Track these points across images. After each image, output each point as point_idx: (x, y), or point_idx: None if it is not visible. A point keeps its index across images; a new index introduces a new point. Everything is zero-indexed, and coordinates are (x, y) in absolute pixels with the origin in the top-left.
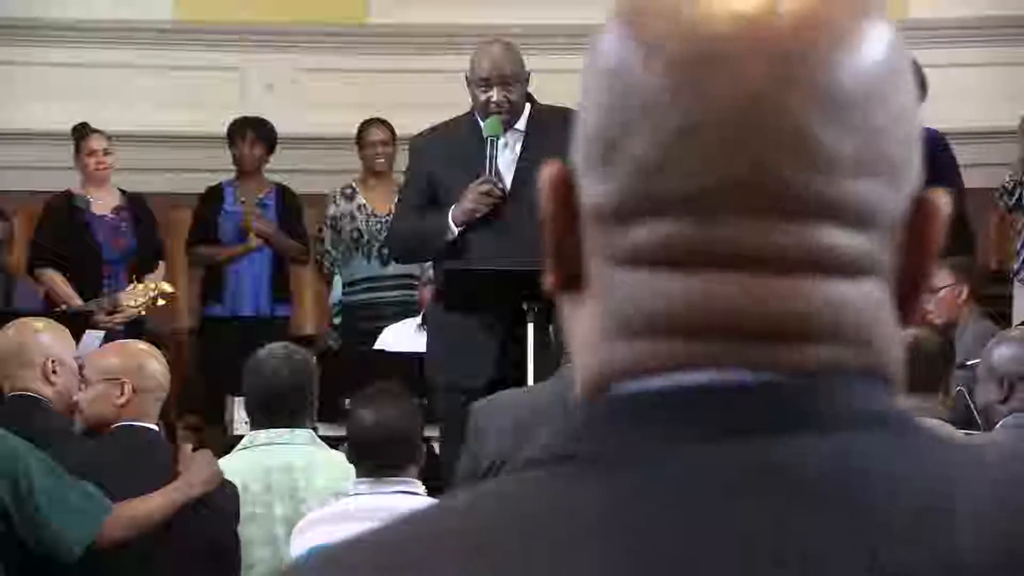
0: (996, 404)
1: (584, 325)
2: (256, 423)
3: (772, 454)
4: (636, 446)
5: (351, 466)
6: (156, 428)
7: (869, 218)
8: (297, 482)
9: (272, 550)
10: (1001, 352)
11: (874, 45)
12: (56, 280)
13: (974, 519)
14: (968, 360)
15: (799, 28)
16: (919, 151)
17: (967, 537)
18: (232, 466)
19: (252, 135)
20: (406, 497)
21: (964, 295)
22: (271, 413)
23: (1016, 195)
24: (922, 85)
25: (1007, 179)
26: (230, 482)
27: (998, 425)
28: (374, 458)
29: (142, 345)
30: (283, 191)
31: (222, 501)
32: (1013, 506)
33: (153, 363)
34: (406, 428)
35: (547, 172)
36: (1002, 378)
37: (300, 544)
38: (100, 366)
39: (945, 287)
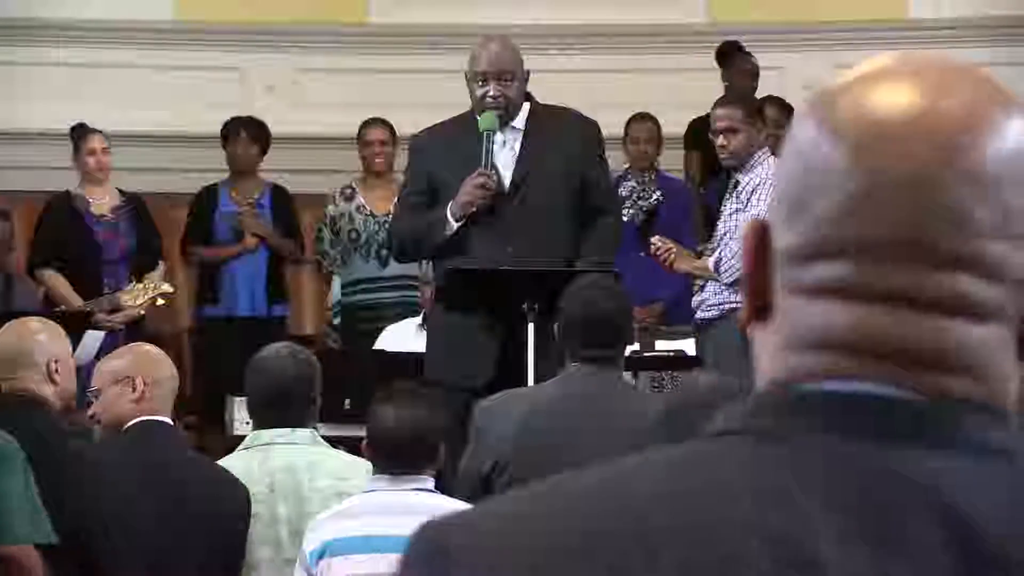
0: None
1: (770, 340)
2: (259, 422)
3: (891, 460)
4: (795, 429)
5: (354, 466)
6: (171, 423)
7: (999, 272)
8: (300, 482)
9: (274, 550)
10: None
11: (1014, 135)
12: (56, 281)
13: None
14: None
15: (954, 121)
16: None
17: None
18: (234, 466)
19: (246, 135)
20: (423, 495)
21: None
22: (275, 412)
23: None
24: None
25: None
26: (240, 483)
27: None
28: (396, 457)
29: (146, 346)
30: (277, 190)
31: (229, 502)
32: None
33: (160, 357)
34: (430, 429)
35: (750, 223)
36: None
37: (314, 538)
38: (108, 369)
39: None
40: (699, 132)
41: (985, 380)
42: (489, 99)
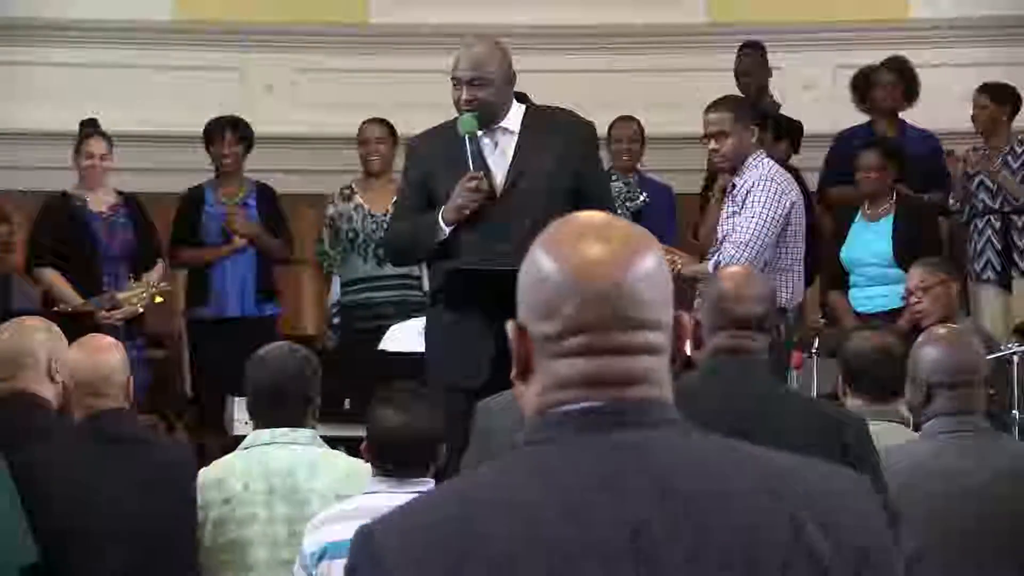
0: (918, 407)
1: (532, 389)
2: (258, 421)
3: (618, 437)
4: (558, 436)
5: (353, 467)
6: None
7: (660, 327)
8: (299, 483)
9: (272, 551)
10: (924, 354)
11: (652, 261)
12: (55, 279)
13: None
14: None
15: (622, 251)
16: (671, 299)
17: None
18: (234, 466)
19: (232, 135)
20: None
21: (955, 291)
22: (272, 410)
23: (965, 210)
24: (914, 88)
25: (952, 201)
26: (187, 448)
27: (922, 429)
28: (396, 459)
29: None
30: (263, 190)
31: (178, 476)
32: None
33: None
34: (430, 431)
35: (513, 327)
36: (923, 382)
37: (314, 540)
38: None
39: (938, 283)
40: None
41: (660, 386)
42: (462, 102)
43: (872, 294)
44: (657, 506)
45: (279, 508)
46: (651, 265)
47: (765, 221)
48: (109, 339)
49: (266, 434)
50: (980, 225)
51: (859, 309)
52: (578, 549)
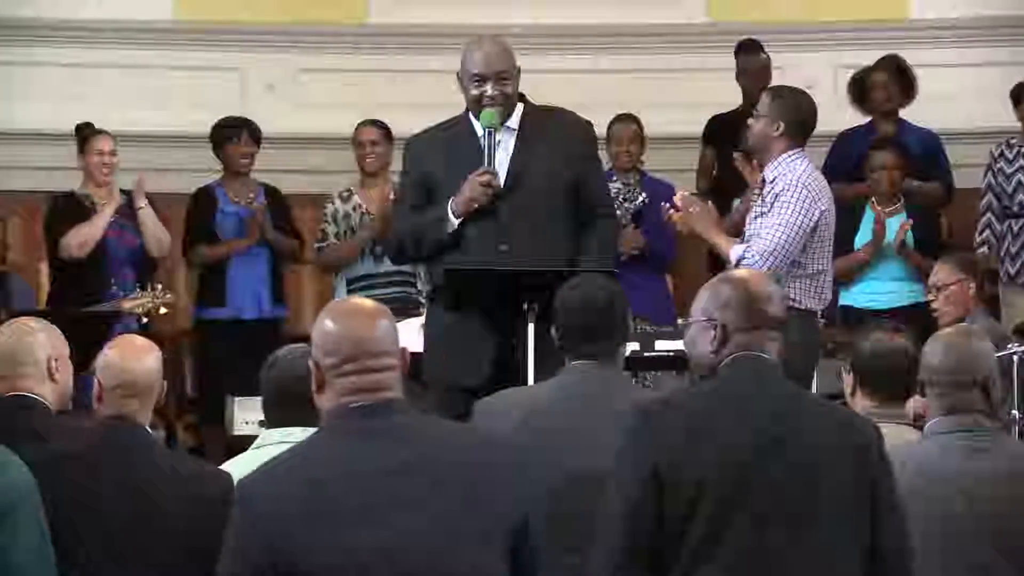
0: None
1: (326, 397)
2: (269, 422)
3: (378, 420)
4: (339, 422)
5: None
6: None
7: (393, 356)
8: None
9: None
10: (924, 354)
11: (385, 321)
12: (74, 233)
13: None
14: None
15: (370, 318)
16: (399, 341)
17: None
18: (243, 465)
19: (247, 135)
20: None
21: (972, 290)
22: (282, 412)
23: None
24: (911, 85)
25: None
26: (224, 472)
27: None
28: None
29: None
30: (271, 190)
31: (213, 489)
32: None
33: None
34: None
35: (311, 361)
36: (920, 382)
37: None
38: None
39: (954, 283)
40: (716, 129)
41: (397, 390)
42: (487, 99)
43: (880, 289)
44: (402, 456)
45: None
46: (386, 324)
47: (792, 229)
48: (145, 342)
49: (276, 433)
50: (1016, 227)
51: (861, 305)
52: (355, 483)
